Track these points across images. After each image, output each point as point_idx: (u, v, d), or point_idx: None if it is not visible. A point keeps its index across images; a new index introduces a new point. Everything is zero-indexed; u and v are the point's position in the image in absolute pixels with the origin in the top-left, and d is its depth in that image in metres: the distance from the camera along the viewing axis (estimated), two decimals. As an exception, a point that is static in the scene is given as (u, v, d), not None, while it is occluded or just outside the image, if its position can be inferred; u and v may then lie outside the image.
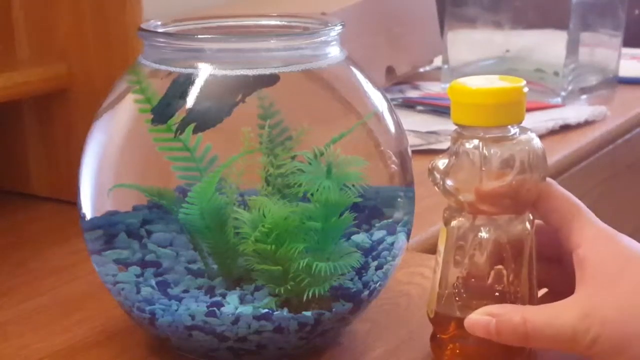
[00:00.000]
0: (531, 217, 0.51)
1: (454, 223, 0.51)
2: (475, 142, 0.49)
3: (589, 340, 0.47)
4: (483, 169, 0.49)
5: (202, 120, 0.50)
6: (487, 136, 0.49)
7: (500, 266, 0.50)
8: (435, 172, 0.50)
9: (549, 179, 0.52)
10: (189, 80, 0.51)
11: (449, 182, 0.50)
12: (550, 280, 0.53)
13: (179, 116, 0.51)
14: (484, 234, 0.50)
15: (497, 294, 0.50)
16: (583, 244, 0.49)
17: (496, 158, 0.49)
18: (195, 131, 0.50)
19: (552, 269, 0.52)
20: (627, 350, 0.47)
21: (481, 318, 0.49)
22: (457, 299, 0.51)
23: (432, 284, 0.52)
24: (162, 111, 0.51)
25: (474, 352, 0.51)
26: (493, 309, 0.49)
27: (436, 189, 0.51)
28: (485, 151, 0.49)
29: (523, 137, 0.50)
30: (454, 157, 0.50)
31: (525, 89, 0.50)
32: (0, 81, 0.73)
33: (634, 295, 0.47)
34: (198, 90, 0.51)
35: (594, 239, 0.49)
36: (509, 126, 0.50)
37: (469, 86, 0.50)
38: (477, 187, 0.49)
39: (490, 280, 0.50)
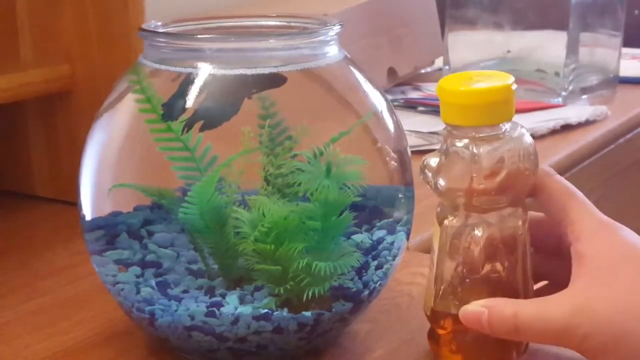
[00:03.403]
0: (523, 213, 0.51)
1: (446, 221, 0.51)
2: (465, 141, 0.49)
3: (580, 336, 0.47)
4: (473, 168, 0.49)
5: (209, 119, 0.51)
6: (478, 135, 0.49)
7: (494, 262, 0.50)
8: (427, 171, 0.51)
9: (547, 168, 0.52)
10: (198, 80, 0.51)
11: (440, 181, 0.50)
12: (550, 272, 0.52)
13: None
14: (476, 232, 0.50)
15: (491, 289, 0.50)
16: (582, 238, 0.49)
17: (486, 157, 0.49)
18: (202, 129, 0.50)
19: (552, 261, 0.52)
20: (619, 348, 0.46)
21: (475, 309, 0.49)
22: (452, 296, 0.51)
23: (428, 281, 0.52)
24: (173, 108, 0.51)
25: (471, 348, 0.51)
26: (487, 301, 0.49)
27: (428, 186, 0.51)
28: (475, 150, 0.49)
29: (513, 134, 0.50)
30: (444, 156, 0.50)
31: (514, 87, 0.50)
32: (3, 82, 0.73)
33: (629, 293, 0.47)
34: (206, 89, 0.51)
35: (593, 232, 0.49)
36: (500, 124, 0.50)
37: (456, 87, 0.49)
38: (468, 186, 0.49)
39: (484, 276, 0.50)
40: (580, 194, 0.51)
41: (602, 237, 0.49)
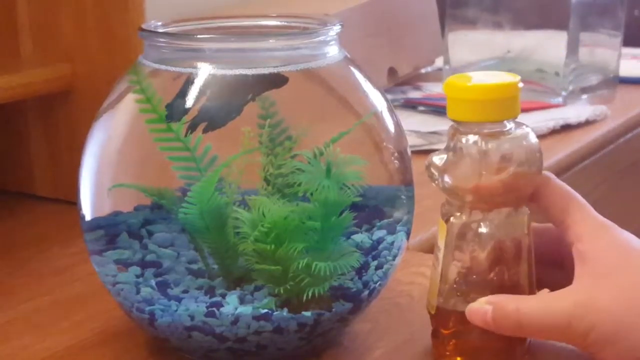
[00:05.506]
0: (528, 211, 0.51)
1: (452, 219, 0.51)
2: (474, 137, 0.49)
3: (583, 330, 0.47)
4: (482, 163, 0.49)
5: (213, 120, 0.51)
6: (484, 131, 0.50)
7: (499, 260, 0.50)
8: (432, 169, 0.51)
9: (547, 173, 0.52)
10: (199, 80, 0.51)
11: (447, 179, 0.50)
12: (551, 283, 0.53)
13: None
14: (482, 229, 0.50)
15: (497, 288, 0.50)
16: (583, 238, 0.49)
17: (495, 153, 0.49)
18: (205, 130, 0.50)
19: (553, 273, 0.53)
20: (621, 342, 0.47)
21: (480, 307, 0.49)
22: (457, 294, 0.51)
23: (432, 279, 0.52)
24: (177, 109, 0.51)
25: (476, 347, 0.51)
26: (491, 298, 0.49)
27: (433, 185, 0.51)
28: (484, 146, 0.49)
29: (519, 131, 0.50)
30: (451, 153, 0.50)
31: (520, 84, 0.50)
32: (4, 82, 0.73)
33: (630, 289, 0.48)
34: (209, 90, 0.51)
35: (593, 232, 0.50)
36: (505, 121, 0.50)
37: (464, 82, 0.50)
38: (475, 183, 0.49)
39: (490, 275, 0.50)
40: (579, 196, 0.52)
41: (602, 237, 0.50)
